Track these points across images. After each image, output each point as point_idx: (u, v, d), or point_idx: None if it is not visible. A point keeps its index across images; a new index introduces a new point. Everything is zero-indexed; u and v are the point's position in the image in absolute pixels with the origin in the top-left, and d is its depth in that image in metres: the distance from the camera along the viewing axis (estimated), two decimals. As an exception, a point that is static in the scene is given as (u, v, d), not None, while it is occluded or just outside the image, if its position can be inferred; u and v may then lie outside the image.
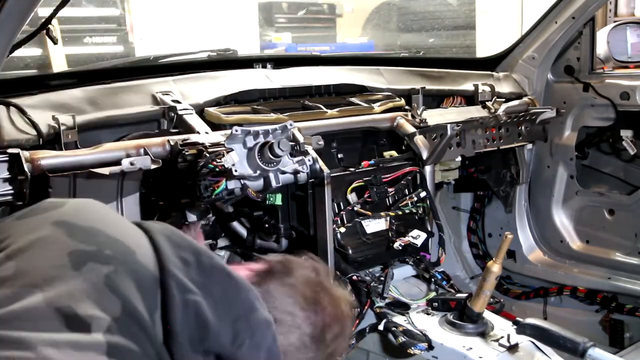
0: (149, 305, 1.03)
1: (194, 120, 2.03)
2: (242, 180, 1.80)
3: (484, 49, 6.45)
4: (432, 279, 2.27)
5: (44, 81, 2.18)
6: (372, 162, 2.35)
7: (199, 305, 1.07)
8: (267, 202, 2.04)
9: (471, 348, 1.88)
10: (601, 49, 3.10)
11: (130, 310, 1.00)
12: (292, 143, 1.90)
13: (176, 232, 1.19)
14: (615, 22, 3.86)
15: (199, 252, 1.15)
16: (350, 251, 2.16)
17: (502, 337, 1.93)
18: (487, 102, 2.89)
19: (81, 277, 1.00)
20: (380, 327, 2.02)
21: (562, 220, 3.21)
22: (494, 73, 3.15)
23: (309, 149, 1.96)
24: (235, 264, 1.39)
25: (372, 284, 2.12)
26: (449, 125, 2.37)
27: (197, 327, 1.07)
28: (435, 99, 2.88)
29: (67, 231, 1.08)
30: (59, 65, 5.28)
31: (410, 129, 2.45)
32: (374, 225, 2.26)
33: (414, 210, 2.37)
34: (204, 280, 1.10)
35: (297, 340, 1.24)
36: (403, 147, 2.47)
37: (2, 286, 0.98)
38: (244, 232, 2.22)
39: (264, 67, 2.62)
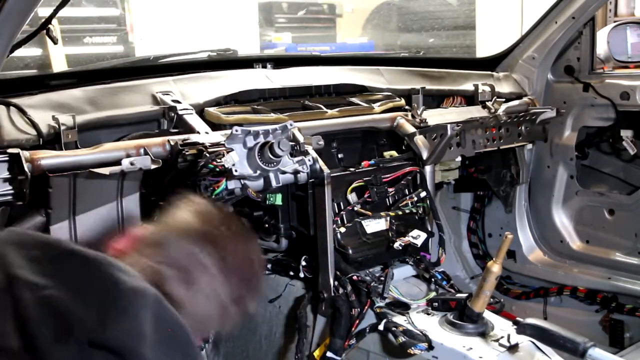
0: None
1: (194, 120, 2.03)
2: (242, 180, 1.80)
3: (484, 49, 6.45)
4: (432, 279, 2.27)
5: (44, 81, 2.18)
6: (372, 162, 2.35)
7: (53, 299, 1.00)
8: (267, 202, 2.04)
9: (471, 348, 1.88)
10: (601, 49, 3.10)
11: None
12: (292, 143, 1.90)
13: (22, 232, 1.16)
14: (615, 22, 3.85)
15: (46, 244, 1.10)
16: (350, 251, 2.16)
17: (502, 337, 1.93)
18: (487, 102, 2.89)
19: None
20: (380, 327, 2.02)
21: (562, 220, 3.21)
22: (494, 73, 3.15)
23: (309, 149, 1.96)
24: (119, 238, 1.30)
25: (372, 284, 2.11)
26: (449, 125, 2.37)
27: (58, 321, 0.99)
28: (435, 99, 2.88)
29: None
30: (59, 65, 5.29)
31: (411, 129, 2.45)
32: (374, 225, 2.26)
33: (414, 210, 2.37)
34: (55, 271, 1.05)
35: (205, 279, 1.21)
36: (403, 147, 2.47)
37: None
38: (244, 232, 2.21)
39: (264, 67, 2.62)
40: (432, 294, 2.18)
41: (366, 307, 2.09)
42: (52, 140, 1.82)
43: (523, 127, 2.94)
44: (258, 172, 1.82)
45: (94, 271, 1.07)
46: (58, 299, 1.00)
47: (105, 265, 1.08)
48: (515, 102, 2.97)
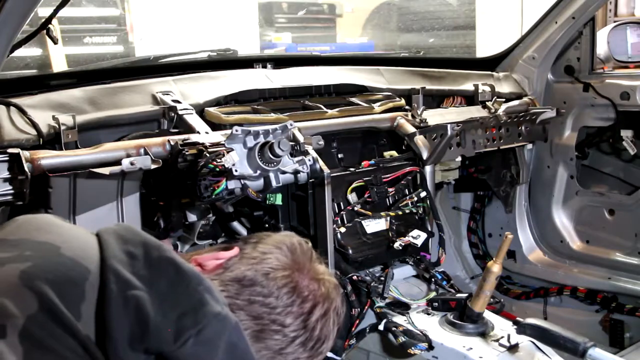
0: (72, 300, 0.98)
1: (194, 120, 2.03)
2: (242, 180, 1.80)
3: (484, 49, 6.45)
4: (432, 279, 2.27)
5: (44, 81, 2.18)
6: (372, 162, 2.35)
7: (140, 301, 1.00)
8: (268, 202, 2.04)
9: (471, 348, 1.88)
10: (601, 49, 3.10)
11: (48, 305, 0.96)
12: (292, 143, 1.90)
13: (130, 228, 1.15)
14: (615, 22, 3.85)
15: (148, 245, 1.09)
16: (350, 251, 2.16)
17: (502, 337, 1.93)
18: (487, 102, 2.89)
19: None
20: (381, 327, 2.02)
21: (562, 220, 3.21)
22: (494, 73, 3.15)
23: (309, 149, 1.96)
24: (204, 252, 1.27)
25: (372, 284, 2.11)
26: (449, 125, 2.37)
27: (137, 324, 1.00)
28: (435, 99, 2.88)
29: None
30: (59, 65, 5.28)
31: (411, 129, 2.45)
32: (374, 225, 2.26)
33: (414, 210, 2.37)
34: (150, 274, 1.05)
35: (278, 334, 1.16)
36: (403, 147, 2.47)
37: None
38: (244, 232, 2.21)
39: (264, 67, 2.62)
40: (432, 294, 2.19)
41: (366, 307, 2.09)
42: (52, 140, 1.82)
43: (523, 127, 2.93)
44: (258, 172, 1.81)
45: (184, 285, 1.06)
46: (144, 303, 1.00)
47: (196, 282, 1.07)
48: (515, 102, 2.97)
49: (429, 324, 2.03)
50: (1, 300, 0.95)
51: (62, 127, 1.81)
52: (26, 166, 1.62)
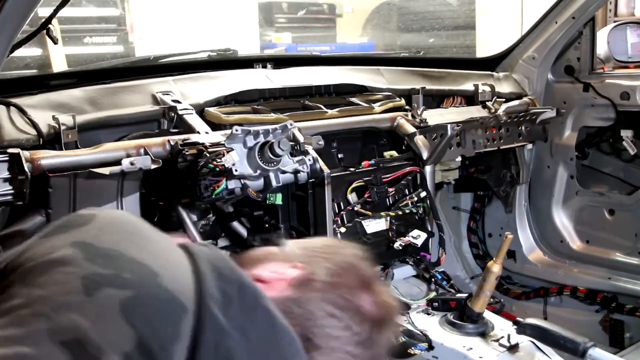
0: (167, 340, 0.92)
1: (194, 120, 2.03)
2: (242, 180, 1.80)
3: (484, 49, 6.45)
4: (432, 279, 2.28)
5: (44, 81, 2.18)
6: (372, 162, 2.35)
7: (232, 351, 0.95)
8: (268, 202, 2.04)
9: (471, 348, 1.88)
10: (601, 49, 3.10)
11: (144, 343, 0.90)
12: (292, 143, 1.90)
13: (225, 260, 1.07)
14: (615, 22, 3.85)
15: (244, 286, 1.02)
16: (350, 251, 2.16)
17: (502, 337, 1.93)
18: (487, 102, 2.89)
19: (93, 304, 0.91)
20: (381, 327, 2.02)
21: (562, 220, 3.20)
22: (494, 73, 3.15)
23: (309, 148, 1.96)
24: (260, 263, 1.19)
25: (372, 284, 2.11)
26: (449, 125, 2.37)
27: None
28: (435, 99, 2.88)
29: (84, 253, 0.97)
30: (59, 65, 5.28)
31: (411, 129, 2.45)
32: (374, 225, 2.26)
33: (414, 210, 2.37)
34: (243, 321, 0.99)
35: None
36: (403, 147, 2.47)
37: (9, 315, 0.90)
38: (244, 232, 2.22)
39: (264, 67, 2.62)
40: (432, 294, 2.19)
41: (366, 307, 2.08)
42: (52, 140, 1.82)
43: (523, 127, 2.94)
44: (258, 171, 1.81)
45: (275, 342, 1.01)
46: (234, 353, 0.96)
47: (287, 341, 1.03)
48: (515, 102, 2.97)
49: (429, 324, 2.03)
50: (99, 332, 0.88)
51: (62, 127, 1.81)
52: (26, 166, 1.62)
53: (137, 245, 1.02)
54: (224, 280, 1.01)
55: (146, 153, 1.79)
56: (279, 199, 2.03)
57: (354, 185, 2.26)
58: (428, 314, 2.10)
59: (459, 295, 2.10)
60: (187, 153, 1.77)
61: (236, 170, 1.72)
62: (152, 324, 0.92)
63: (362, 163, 2.34)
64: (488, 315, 2.02)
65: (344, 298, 1.13)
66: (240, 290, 1.01)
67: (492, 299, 2.04)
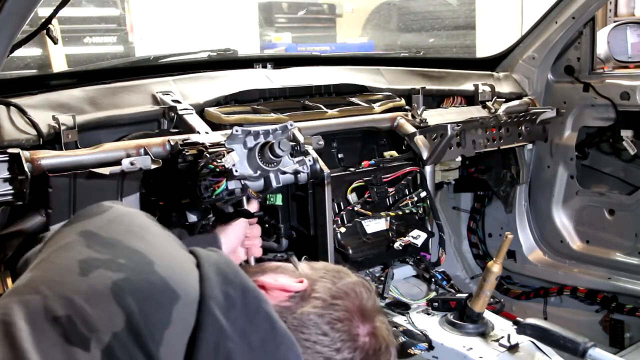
0: (156, 325, 0.93)
1: (194, 120, 2.03)
2: (242, 181, 1.80)
3: (484, 49, 6.45)
4: (432, 279, 2.27)
5: (44, 81, 2.18)
6: (372, 162, 2.35)
7: (232, 353, 0.96)
8: (268, 202, 2.04)
9: (471, 348, 1.88)
10: (601, 49, 3.10)
11: (133, 325, 0.92)
12: (293, 143, 1.90)
13: (231, 263, 1.08)
14: (615, 22, 3.86)
15: (248, 291, 1.04)
16: (350, 251, 2.16)
17: (502, 337, 1.93)
18: (487, 102, 2.89)
19: (86, 283, 0.94)
20: (381, 327, 2.02)
21: (562, 220, 3.20)
22: (494, 73, 3.15)
23: (309, 149, 1.96)
24: (269, 272, 1.20)
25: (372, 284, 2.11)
26: (449, 125, 2.37)
27: None
28: (435, 99, 2.88)
29: (87, 240, 1.02)
30: (59, 65, 5.28)
31: (411, 129, 2.45)
32: (374, 225, 2.26)
33: (414, 210, 2.37)
34: (245, 324, 1.00)
35: None
36: (403, 147, 2.47)
37: (11, 294, 0.94)
38: (244, 232, 2.21)
39: (264, 67, 2.62)
40: (432, 294, 2.19)
41: (366, 307, 2.08)
42: (52, 140, 1.82)
43: (523, 127, 2.94)
44: (258, 172, 1.81)
45: (275, 346, 1.02)
46: (234, 356, 0.96)
47: (287, 346, 1.03)
48: (516, 102, 2.97)
49: (429, 324, 2.03)
50: (91, 310, 0.91)
51: (62, 127, 1.81)
52: (26, 166, 1.62)
53: (140, 237, 1.05)
54: (227, 284, 1.02)
55: (146, 153, 1.79)
56: (279, 200, 2.03)
57: (354, 185, 2.26)
58: (428, 314, 2.10)
59: (459, 295, 2.10)
60: (187, 153, 1.77)
61: (236, 171, 1.72)
62: (142, 308, 0.94)
63: (362, 163, 2.34)
64: (488, 315, 2.02)
65: (341, 321, 1.13)
66: (243, 294, 1.02)
67: (492, 299, 2.04)
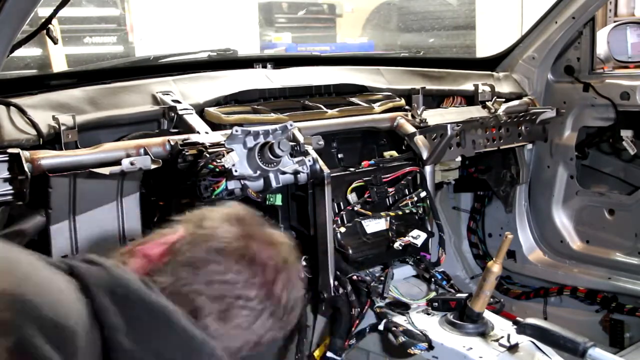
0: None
1: (194, 120, 2.03)
2: (242, 181, 1.80)
3: (484, 49, 6.45)
4: (432, 279, 2.27)
5: (44, 81, 2.18)
6: (372, 162, 2.35)
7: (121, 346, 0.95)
8: (267, 202, 2.04)
9: (471, 348, 1.88)
10: (601, 49, 3.10)
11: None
12: (292, 143, 1.90)
13: (121, 278, 1.02)
14: (615, 22, 3.85)
15: (152, 308, 1.01)
16: (350, 251, 2.16)
17: (502, 337, 1.93)
18: (487, 102, 2.89)
19: None
20: (381, 327, 2.02)
21: (562, 220, 3.20)
22: (494, 73, 3.15)
23: (309, 149, 1.96)
24: (148, 240, 1.17)
25: (372, 284, 2.11)
26: (449, 125, 2.37)
27: None
28: (435, 99, 2.88)
29: None
30: (59, 65, 5.28)
31: (411, 129, 2.45)
32: (374, 225, 2.26)
33: (414, 210, 2.37)
34: (157, 343, 0.99)
35: (244, 309, 1.10)
36: (403, 147, 2.47)
37: None
38: (244, 232, 2.21)
39: (264, 67, 2.62)
40: (432, 294, 2.19)
41: (366, 307, 2.09)
42: (52, 140, 1.82)
43: (523, 127, 2.94)
44: (258, 172, 1.82)
45: (164, 322, 1.01)
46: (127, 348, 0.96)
47: (172, 315, 1.01)
48: (515, 102, 2.97)
49: (429, 324, 2.03)
50: None
51: (62, 127, 1.81)
52: (26, 166, 1.62)
53: (7, 272, 0.95)
54: (123, 304, 0.98)
55: (146, 153, 1.79)
56: (278, 200, 2.03)
57: (354, 185, 2.26)
58: (428, 314, 2.10)
59: (459, 295, 2.10)
60: (187, 153, 1.77)
61: (236, 171, 1.72)
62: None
63: (362, 163, 2.34)
64: (488, 315, 2.02)
65: (226, 242, 1.11)
66: (147, 313, 0.99)
67: (492, 299, 2.04)
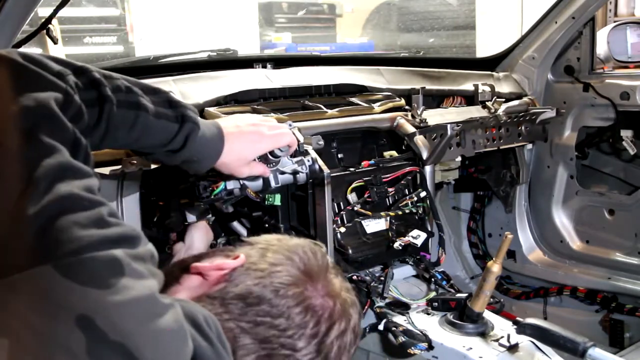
0: None
1: (194, 120, 2.02)
2: (241, 181, 1.80)
3: (484, 49, 6.45)
4: (432, 279, 2.27)
5: (44, 81, 2.18)
6: (372, 162, 2.34)
7: None
8: (266, 202, 2.04)
9: (471, 348, 1.88)
10: (601, 49, 3.10)
11: None
12: (292, 143, 1.90)
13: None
14: (615, 22, 3.85)
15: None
16: (350, 251, 2.16)
17: (502, 337, 1.93)
18: (487, 102, 2.89)
19: None
20: (380, 327, 2.02)
21: (562, 220, 3.21)
22: (494, 73, 3.15)
23: (309, 149, 1.95)
24: (206, 258, 1.14)
25: (372, 284, 2.11)
26: (449, 125, 2.37)
27: None
28: (435, 99, 2.88)
29: None
30: (58, 65, 5.28)
31: (410, 129, 2.45)
32: (374, 225, 2.26)
33: (414, 210, 2.37)
34: None
35: (288, 359, 1.03)
36: (403, 147, 2.47)
37: None
38: (244, 232, 2.21)
39: (264, 67, 2.62)
40: (432, 294, 2.18)
41: (366, 307, 2.09)
42: (52, 140, 1.81)
43: (523, 127, 2.94)
44: (257, 172, 1.81)
45: None
46: None
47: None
48: (515, 102, 2.96)
49: (429, 324, 2.03)
50: None
51: (62, 127, 1.80)
52: (26, 166, 1.61)
53: None
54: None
55: (146, 153, 1.79)
56: (277, 200, 2.03)
57: (353, 185, 2.26)
58: (428, 314, 2.10)
59: (458, 295, 2.10)
60: (186, 153, 1.77)
61: (236, 171, 1.72)
62: None
63: (362, 163, 2.34)
64: (488, 315, 2.02)
65: (285, 286, 1.05)
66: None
67: (492, 299, 2.04)
